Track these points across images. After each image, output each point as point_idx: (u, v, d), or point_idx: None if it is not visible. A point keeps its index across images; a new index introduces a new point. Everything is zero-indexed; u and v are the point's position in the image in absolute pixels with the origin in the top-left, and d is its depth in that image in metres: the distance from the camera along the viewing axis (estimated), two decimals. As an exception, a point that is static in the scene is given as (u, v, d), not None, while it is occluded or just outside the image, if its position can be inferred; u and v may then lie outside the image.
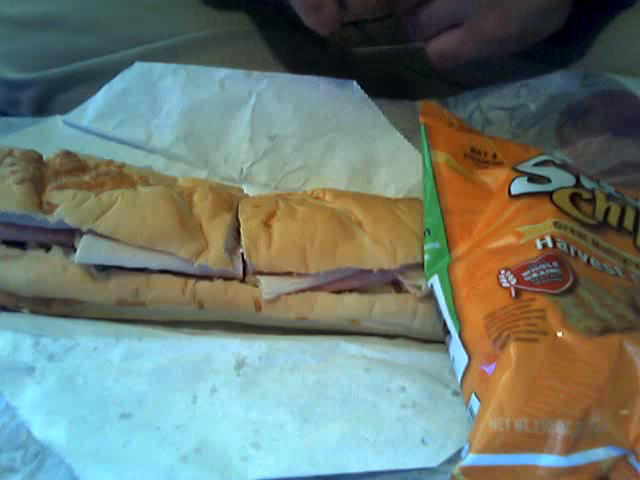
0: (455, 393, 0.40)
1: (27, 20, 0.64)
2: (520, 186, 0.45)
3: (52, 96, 0.65)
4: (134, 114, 0.57)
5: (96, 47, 0.63)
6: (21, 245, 0.44)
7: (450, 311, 0.40)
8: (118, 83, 0.58)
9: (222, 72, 0.58)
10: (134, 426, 0.36)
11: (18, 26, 0.64)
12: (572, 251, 0.40)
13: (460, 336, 0.39)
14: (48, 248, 0.43)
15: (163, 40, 0.62)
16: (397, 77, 0.70)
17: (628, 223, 0.44)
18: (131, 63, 0.58)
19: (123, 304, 0.43)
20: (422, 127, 0.50)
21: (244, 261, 0.44)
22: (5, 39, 0.65)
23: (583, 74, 0.58)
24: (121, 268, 0.43)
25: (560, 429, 0.33)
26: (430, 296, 0.43)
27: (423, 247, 0.45)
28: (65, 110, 0.59)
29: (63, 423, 0.35)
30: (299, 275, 0.44)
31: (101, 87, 0.58)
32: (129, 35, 0.62)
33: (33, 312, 0.43)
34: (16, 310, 0.43)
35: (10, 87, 0.66)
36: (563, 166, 0.48)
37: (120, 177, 0.47)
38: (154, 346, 0.41)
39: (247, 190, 0.52)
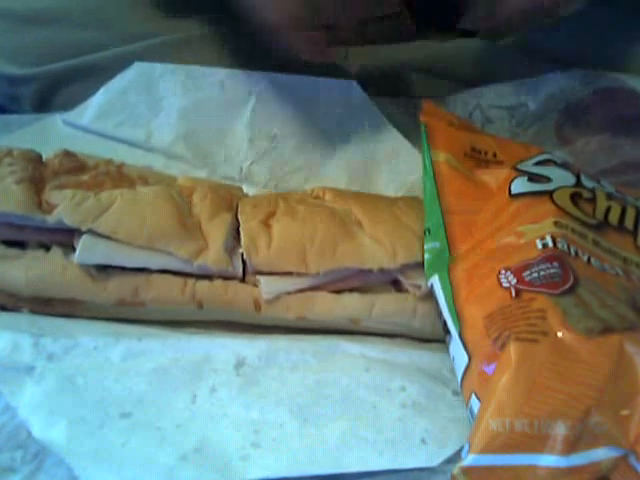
0: (455, 393, 0.40)
1: (29, 15, 0.64)
2: (520, 185, 0.45)
3: (53, 91, 0.65)
4: (134, 114, 0.57)
5: (98, 42, 0.62)
6: (21, 245, 0.44)
7: (450, 311, 0.40)
8: (118, 82, 0.58)
9: (222, 72, 0.58)
10: (134, 426, 0.36)
11: (20, 21, 0.64)
12: (572, 251, 0.40)
13: (460, 336, 0.39)
14: (48, 248, 0.43)
15: (165, 36, 0.62)
16: (397, 76, 0.70)
17: (629, 222, 0.44)
18: (133, 58, 0.58)
19: (123, 304, 0.43)
20: (422, 126, 0.50)
21: (244, 261, 0.44)
22: (6, 34, 0.65)
23: (582, 73, 0.58)
24: (121, 268, 0.43)
25: (560, 429, 0.33)
26: (430, 296, 0.43)
27: (423, 246, 0.45)
28: (66, 105, 0.58)
29: (63, 423, 0.35)
30: (299, 275, 0.44)
31: (103, 82, 0.58)
32: (131, 30, 0.62)
33: (33, 312, 0.43)
34: (16, 310, 0.43)
35: (11, 82, 0.65)
36: (564, 165, 0.48)
37: (119, 177, 0.47)
38: (154, 346, 0.40)
39: (247, 190, 0.52)
